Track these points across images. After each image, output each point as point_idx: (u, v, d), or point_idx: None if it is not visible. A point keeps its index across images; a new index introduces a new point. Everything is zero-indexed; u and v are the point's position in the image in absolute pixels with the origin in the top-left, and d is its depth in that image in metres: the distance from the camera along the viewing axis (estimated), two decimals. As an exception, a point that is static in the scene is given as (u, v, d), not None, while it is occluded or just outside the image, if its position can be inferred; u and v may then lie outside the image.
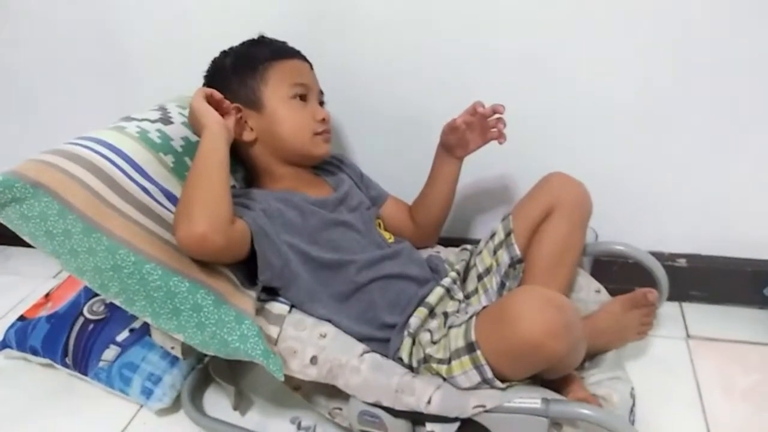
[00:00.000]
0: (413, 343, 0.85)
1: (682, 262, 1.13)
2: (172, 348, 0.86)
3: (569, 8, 0.98)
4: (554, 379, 0.82)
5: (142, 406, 1.00)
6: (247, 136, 0.95)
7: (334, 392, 0.84)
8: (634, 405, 0.83)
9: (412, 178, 1.06)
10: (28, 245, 0.78)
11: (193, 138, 0.94)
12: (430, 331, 0.84)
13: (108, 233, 0.78)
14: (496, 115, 0.93)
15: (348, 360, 0.81)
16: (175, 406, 0.99)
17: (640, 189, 1.09)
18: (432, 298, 0.89)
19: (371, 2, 1.05)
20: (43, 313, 1.10)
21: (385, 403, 0.79)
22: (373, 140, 1.18)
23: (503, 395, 0.75)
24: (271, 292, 0.89)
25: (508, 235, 0.94)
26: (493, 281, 0.94)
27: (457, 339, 0.78)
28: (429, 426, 0.78)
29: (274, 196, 0.91)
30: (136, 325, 1.03)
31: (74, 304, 1.09)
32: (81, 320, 1.05)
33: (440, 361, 0.79)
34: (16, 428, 0.99)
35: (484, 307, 0.81)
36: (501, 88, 1.04)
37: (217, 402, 0.99)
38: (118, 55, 1.21)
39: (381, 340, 0.87)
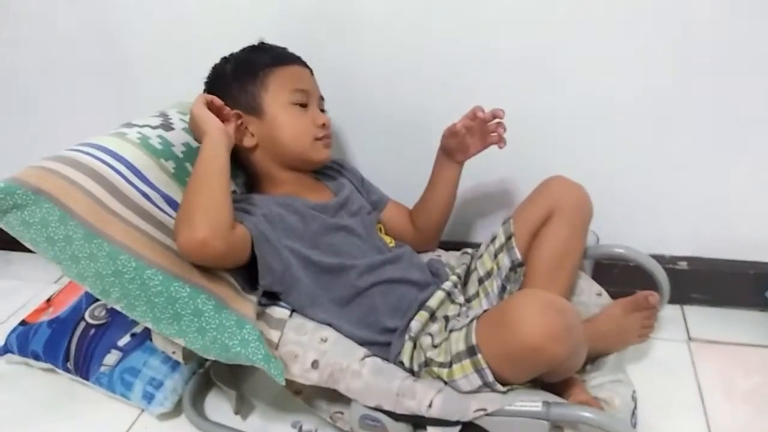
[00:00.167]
0: (414, 347, 0.84)
1: (683, 264, 1.12)
2: (174, 353, 0.86)
3: (569, 8, 0.98)
4: (555, 383, 0.82)
5: (143, 411, 1.00)
6: (248, 141, 0.96)
7: (335, 396, 0.84)
8: (635, 408, 0.83)
9: (411, 180, 1.06)
10: (30, 250, 0.79)
11: (194, 144, 0.94)
12: (431, 334, 0.84)
13: (109, 239, 0.79)
14: (496, 120, 0.93)
15: (349, 364, 0.81)
16: (177, 410, 0.99)
17: (640, 189, 1.09)
18: (433, 302, 0.89)
19: (371, 2, 1.05)
20: (45, 317, 1.10)
21: (387, 407, 0.79)
22: (372, 141, 1.18)
23: (504, 398, 0.75)
24: (272, 297, 0.89)
25: (508, 238, 0.94)
26: (494, 285, 0.94)
27: (458, 342, 0.78)
28: (430, 429, 0.78)
29: (275, 201, 0.91)
30: (138, 329, 1.03)
31: (76, 309, 1.09)
32: (82, 325, 1.05)
33: (441, 365, 0.79)
34: (17, 433, 0.99)
35: (485, 311, 0.81)
36: (501, 88, 1.04)
37: (219, 406, 0.99)
38: (118, 56, 1.21)
39: (382, 344, 0.87)
